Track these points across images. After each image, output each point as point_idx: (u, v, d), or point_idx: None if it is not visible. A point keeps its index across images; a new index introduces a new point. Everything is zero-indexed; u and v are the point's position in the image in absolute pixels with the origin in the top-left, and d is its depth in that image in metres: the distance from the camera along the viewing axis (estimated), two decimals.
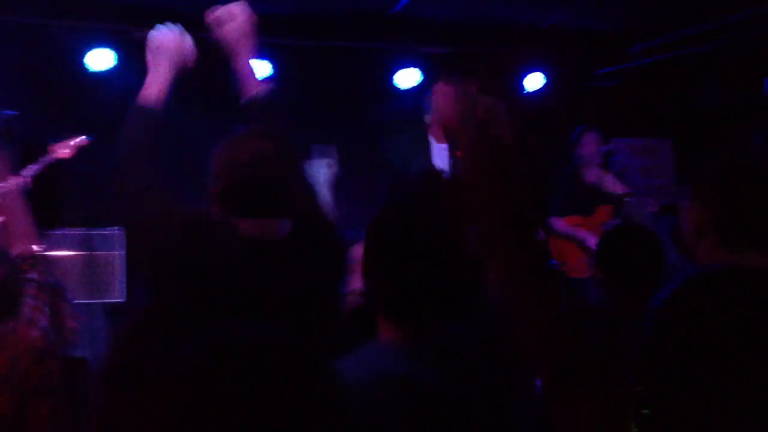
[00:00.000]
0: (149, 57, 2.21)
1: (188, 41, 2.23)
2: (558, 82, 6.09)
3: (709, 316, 1.19)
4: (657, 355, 1.19)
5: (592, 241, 4.77)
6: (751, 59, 5.71)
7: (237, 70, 2.22)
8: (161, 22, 2.24)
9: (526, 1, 5.36)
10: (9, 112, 4.71)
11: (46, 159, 4.45)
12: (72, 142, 4.55)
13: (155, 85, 2.17)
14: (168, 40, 2.21)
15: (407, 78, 5.81)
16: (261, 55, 5.85)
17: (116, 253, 5.08)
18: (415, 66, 5.80)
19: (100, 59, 5.26)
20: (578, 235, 4.99)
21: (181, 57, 2.21)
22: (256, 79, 2.22)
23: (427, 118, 4.40)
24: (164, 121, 2.13)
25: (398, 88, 5.81)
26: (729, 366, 1.16)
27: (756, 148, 4.06)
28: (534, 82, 6.05)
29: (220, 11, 2.23)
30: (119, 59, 5.23)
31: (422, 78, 5.80)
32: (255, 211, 1.92)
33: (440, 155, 4.43)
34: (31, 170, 4.42)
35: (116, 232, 5.13)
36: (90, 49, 5.24)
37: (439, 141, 4.45)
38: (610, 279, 2.39)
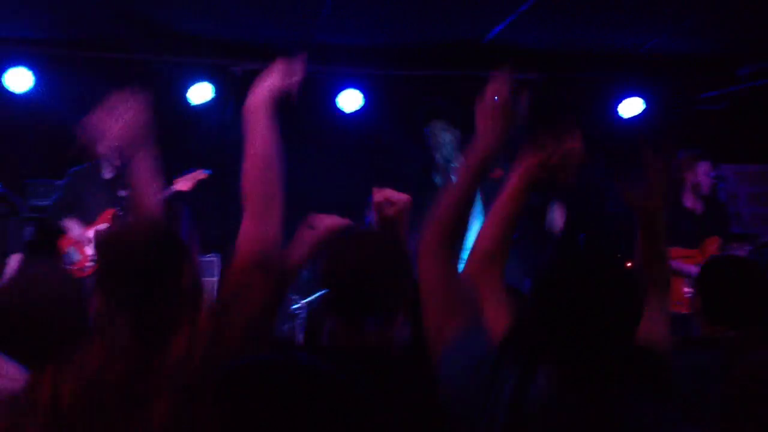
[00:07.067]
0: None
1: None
2: (659, 106, 5.89)
3: None
4: None
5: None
6: None
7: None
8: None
9: (625, 26, 5.22)
10: None
11: (167, 192, 4.55)
12: (193, 176, 4.78)
13: None
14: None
15: None
16: (353, 85, 5.86)
17: (215, 279, 5.20)
18: None
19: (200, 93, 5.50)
20: (684, 269, 4.39)
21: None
22: None
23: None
24: None
25: None
26: None
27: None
28: (631, 108, 5.87)
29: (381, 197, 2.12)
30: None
31: None
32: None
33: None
34: None
35: (215, 259, 5.26)
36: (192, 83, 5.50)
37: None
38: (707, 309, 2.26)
